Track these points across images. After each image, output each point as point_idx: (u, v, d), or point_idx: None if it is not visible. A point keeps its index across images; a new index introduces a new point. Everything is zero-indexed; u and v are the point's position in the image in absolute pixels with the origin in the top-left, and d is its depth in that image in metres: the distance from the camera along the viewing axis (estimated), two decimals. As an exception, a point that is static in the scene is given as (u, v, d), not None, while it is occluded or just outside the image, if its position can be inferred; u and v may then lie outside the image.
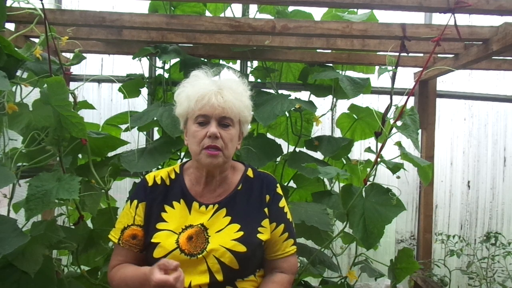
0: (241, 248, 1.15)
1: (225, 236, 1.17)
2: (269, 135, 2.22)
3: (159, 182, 1.28)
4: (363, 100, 2.63)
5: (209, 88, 1.18)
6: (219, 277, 1.13)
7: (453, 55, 2.09)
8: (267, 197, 1.26)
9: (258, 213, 1.23)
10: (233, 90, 1.21)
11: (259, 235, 1.19)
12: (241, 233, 1.17)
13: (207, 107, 1.16)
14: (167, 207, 1.23)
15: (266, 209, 1.24)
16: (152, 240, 1.18)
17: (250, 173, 1.31)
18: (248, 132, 1.35)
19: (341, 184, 1.83)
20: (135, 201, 1.25)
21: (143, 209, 1.24)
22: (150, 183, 1.28)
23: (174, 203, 1.24)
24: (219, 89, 1.19)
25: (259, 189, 1.27)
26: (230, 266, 1.14)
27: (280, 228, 1.24)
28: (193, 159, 1.26)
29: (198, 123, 1.19)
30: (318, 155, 2.16)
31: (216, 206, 1.22)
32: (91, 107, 1.88)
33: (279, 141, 2.18)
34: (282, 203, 1.29)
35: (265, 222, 1.22)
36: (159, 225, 1.21)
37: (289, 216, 1.29)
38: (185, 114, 1.23)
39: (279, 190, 1.30)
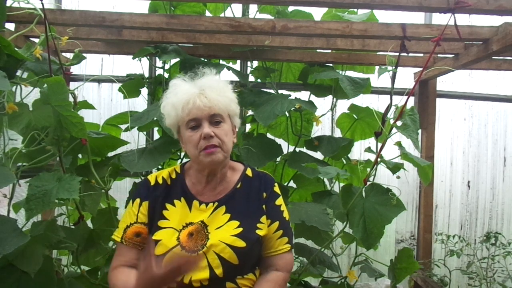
0: (241, 244, 1.16)
1: (224, 232, 1.18)
2: (269, 135, 2.22)
3: (160, 181, 1.29)
4: (363, 100, 2.63)
5: (191, 92, 1.21)
6: (219, 272, 1.14)
7: (453, 55, 2.09)
8: (264, 194, 1.28)
9: (257, 210, 1.25)
10: (214, 87, 1.24)
11: (257, 231, 1.21)
12: (240, 229, 1.19)
13: (194, 110, 1.19)
14: (168, 205, 1.25)
15: (264, 206, 1.27)
16: (154, 238, 1.19)
17: (249, 172, 1.33)
18: (240, 123, 1.36)
19: (341, 184, 1.83)
20: (138, 200, 1.27)
21: (146, 207, 1.25)
22: (152, 182, 1.29)
23: (175, 201, 1.26)
24: (200, 90, 1.22)
25: (257, 187, 1.29)
26: (229, 261, 1.15)
27: (275, 225, 1.26)
28: (194, 163, 1.28)
29: (190, 128, 1.21)
30: (318, 155, 2.16)
31: (216, 204, 1.24)
32: (91, 107, 1.88)
33: (279, 141, 2.18)
34: (279, 201, 1.30)
35: (264, 219, 1.25)
36: (161, 223, 1.22)
37: (285, 215, 1.30)
38: (175, 123, 1.26)
39: (276, 189, 1.32)
